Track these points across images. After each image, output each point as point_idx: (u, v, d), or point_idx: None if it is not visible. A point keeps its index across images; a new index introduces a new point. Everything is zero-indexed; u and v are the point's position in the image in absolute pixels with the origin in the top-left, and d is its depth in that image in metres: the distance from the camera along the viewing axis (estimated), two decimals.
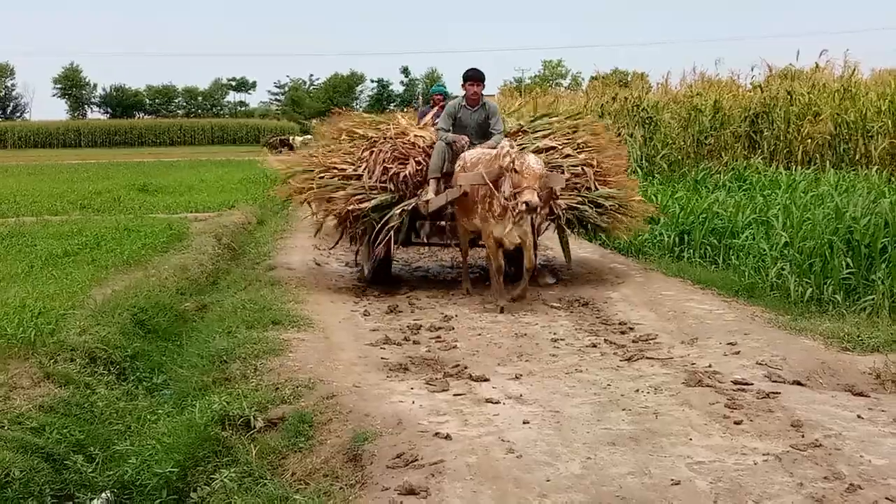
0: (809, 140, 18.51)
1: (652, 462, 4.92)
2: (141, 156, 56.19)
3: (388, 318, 9.18)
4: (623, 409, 5.84)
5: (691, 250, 12.62)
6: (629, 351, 7.52)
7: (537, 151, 10.57)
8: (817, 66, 20.66)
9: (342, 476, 5.00)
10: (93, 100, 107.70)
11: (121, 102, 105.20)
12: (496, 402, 6.10)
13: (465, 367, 7.07)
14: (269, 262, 13.27)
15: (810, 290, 9.37)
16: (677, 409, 5.79)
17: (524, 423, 5.63)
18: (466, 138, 10.58)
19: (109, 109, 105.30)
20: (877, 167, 16.13)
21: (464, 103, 10.94)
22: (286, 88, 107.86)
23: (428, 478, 4.76)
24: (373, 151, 10.90)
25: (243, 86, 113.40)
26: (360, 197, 10.50)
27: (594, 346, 7.77)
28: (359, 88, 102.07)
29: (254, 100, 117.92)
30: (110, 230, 15.33)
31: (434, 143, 10.92)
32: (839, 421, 5.55)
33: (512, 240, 9.49)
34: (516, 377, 6.79)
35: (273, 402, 6.27)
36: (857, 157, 17.82)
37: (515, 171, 8.99)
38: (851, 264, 9.37)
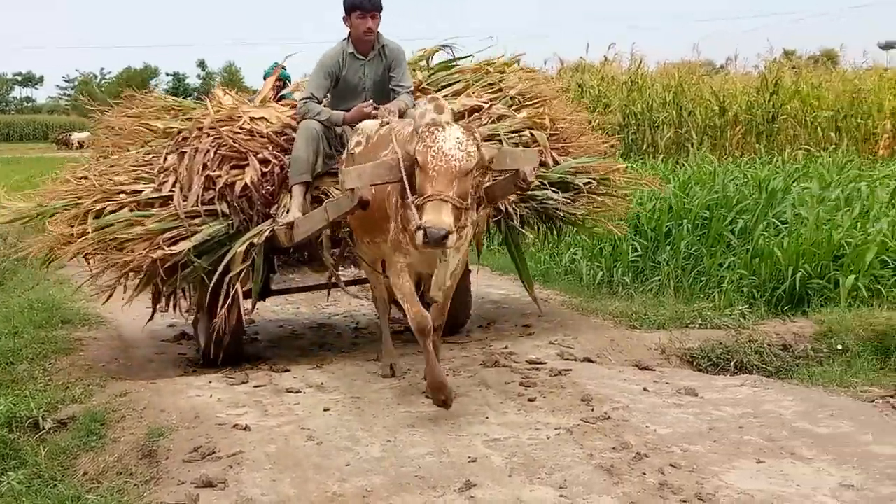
0: (599, 130, 19.19)
1: (450, 441, 5.00)
2: None
3: (185, 314, 8.95)
4: (423, 393, 5.90)
5: (489, 238, 12.86)
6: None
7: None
8: (606, 59, 21.43)
9: (136, 473, 4.86)
10: None
11: None
12: (297, 392, 6.07)
13: (267, 359, 6.99)
14: (59, 260, 12.71)
15: (601, 273, 9.74)
16: (475, 390, 5.91)
17: (325, 410, 5.62)
18: (372, 104, 6.51)
19: None
20: (662, 156, 16.90)
21: (350, 50, 6.74)
22: (76, 83, 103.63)
23: (226, 469, 4.69)
24: (184, 154, 6.77)
25: (30, 81, 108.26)
26: (171, 234, 6.39)
27: (395, 333, 7.83)
28: (153, 82, 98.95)
29: (41, 95, 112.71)
30: None
31: (290, 127, 6.98)
32: (627, 394, 5.80)
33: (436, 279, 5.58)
34: (318, 366, 6.78)
35: (63, 402, 6.05)
36: (644, 147, 18.59)
37: (417, 164, 4.98)
38: (639, 248, 9.80)
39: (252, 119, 7.06)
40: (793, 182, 10.73)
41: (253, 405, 5.78)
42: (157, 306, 6.97)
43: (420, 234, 4.79)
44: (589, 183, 7.13)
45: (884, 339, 6.74)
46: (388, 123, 5.97)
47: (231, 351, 6.81)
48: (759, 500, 4.20)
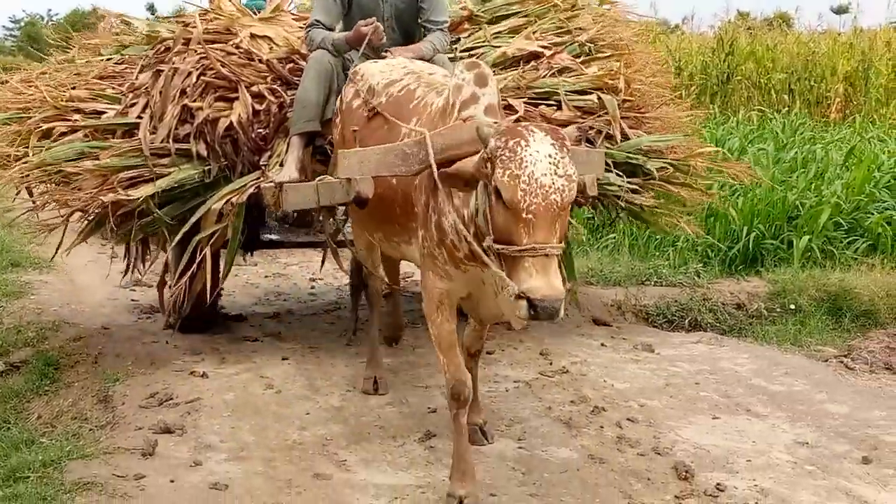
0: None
1: (409, 392, 5.02)
2: None
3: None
4: (382, 344, 5.89)
5: None
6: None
7: (501, 65, 5.64)
8: None
9: (92, 418, 4.79)
10: None
11: None
12: (254, 340, 6.03)
13: (221, 308, 6.93)
14: (5, 202, 12.49)
15: None
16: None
17: (283, 359, 5.60)
18: (379, 26, 4.92)
19: None
20: None
21: None
22: (22, 23, 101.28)
23: (184, 416, 4.66)
24: (159, 74, 5.45)
25: None
26: (131, 174, 5.10)
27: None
28: (102, 25, 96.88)
29: None
30: None
31: (299, 54, 5.60)
32: (584, 349, 5.84)
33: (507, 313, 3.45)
34: (275, 316, 6.74)
35: (15, 346, 5.95)
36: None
37: (500, 200, 3.22)
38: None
39: (253, 37, 5.69)
40: (748, 143, 10.79)
41: (210, 353, 5.73)
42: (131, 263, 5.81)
43: (523, 304, 3.13)
44: (663, 169, 5.54)
45: (836, 299, 6.84)
46: (389, 60, 4.72)
47: (199, 312, 5.80)
48: (714, 455, 4.27)
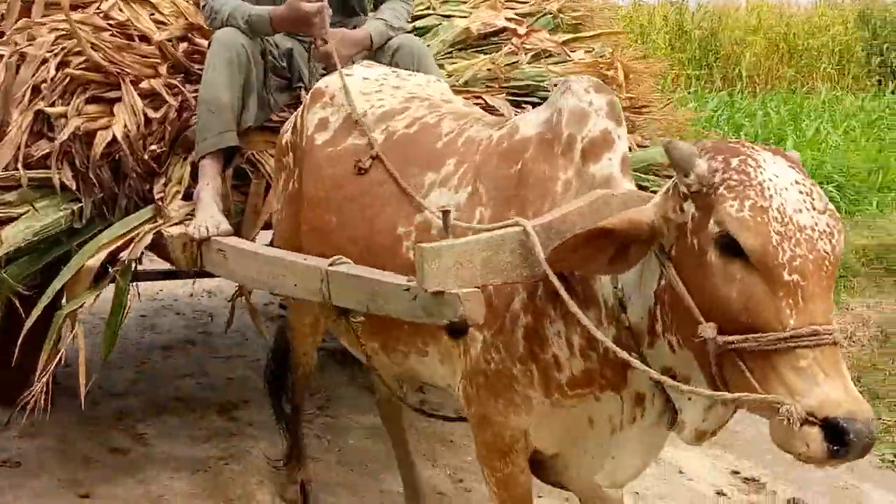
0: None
1: (207, 362, 4.94)
2: None
3: None
4: (177, 314, 5.76)
5: None
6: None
7: (461, 44, 4.14)
8: None
9: None
10: None
11: None
12: None
13: None
14: None
15: None
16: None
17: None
18: (327, 6, 3.24)
19: None
20: None
21: None
22: None
23: None
24: None
25: None
26: None
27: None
28: None
29: None
30: None
31: (198, 30, 3.74)
32: None
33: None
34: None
35: None
36: None
37: (725, 255, 1.78)
38: None
39: (127, 2, 3.82)
40: None
41: None
42: None
43: (815, 434, 1.66)
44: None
45: None
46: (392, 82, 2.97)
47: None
48: None
